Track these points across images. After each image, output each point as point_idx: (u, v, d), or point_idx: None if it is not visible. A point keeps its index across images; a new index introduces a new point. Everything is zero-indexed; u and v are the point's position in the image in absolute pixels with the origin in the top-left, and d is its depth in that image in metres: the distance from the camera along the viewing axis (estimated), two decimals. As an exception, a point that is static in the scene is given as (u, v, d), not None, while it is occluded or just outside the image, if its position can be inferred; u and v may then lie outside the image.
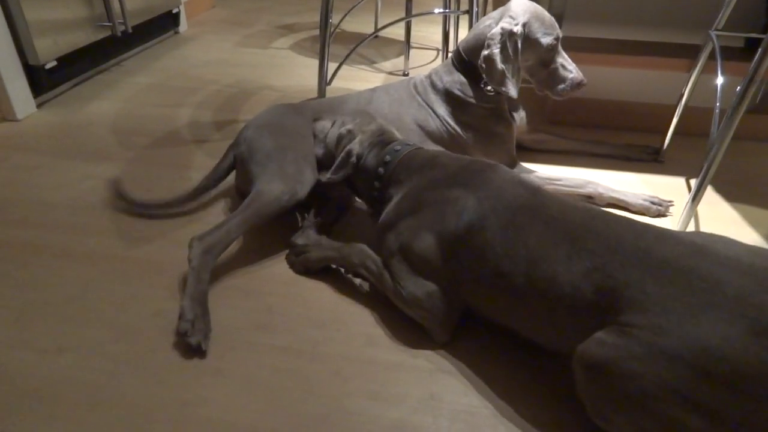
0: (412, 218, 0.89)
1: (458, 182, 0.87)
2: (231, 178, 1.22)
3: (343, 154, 1.02)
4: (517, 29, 1.17)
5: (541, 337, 0.80)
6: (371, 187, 1.00)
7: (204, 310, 0.89)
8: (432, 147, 1.22)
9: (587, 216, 0.77)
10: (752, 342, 0.58)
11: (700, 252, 0.67)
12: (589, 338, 0.68)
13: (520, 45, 1.18)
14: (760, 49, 0.96)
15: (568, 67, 1.22)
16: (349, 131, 1.05)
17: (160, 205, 1.16)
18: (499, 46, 1.17)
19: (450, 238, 0.85)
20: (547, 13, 1.21)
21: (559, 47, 1.22)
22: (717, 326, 0.60)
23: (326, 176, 1.04)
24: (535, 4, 1.21)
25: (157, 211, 1.18)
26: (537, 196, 0.83)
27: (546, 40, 1.18)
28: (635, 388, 0.62)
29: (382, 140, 1.03)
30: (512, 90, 1.19)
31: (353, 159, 1.01)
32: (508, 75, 1.18)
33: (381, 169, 0.98)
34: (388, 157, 0.98)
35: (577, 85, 1.22)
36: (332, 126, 1.10)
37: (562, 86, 1.23)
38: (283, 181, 1.04)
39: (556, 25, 1.21)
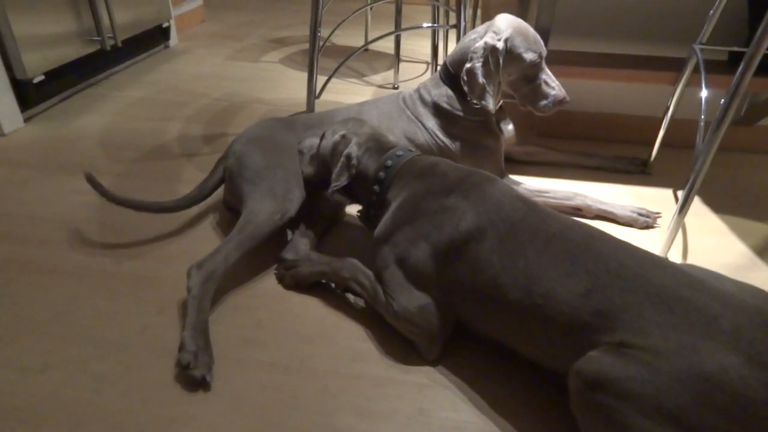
0: (408, 228, 0.89)
1: (456, 193, 0.87)
2: (219, 191, 1.21)
3: (342, 159, 1.00)
4: (500, 44, 1.18)
5: (534, 352, 0.80)
6: (370, 192, 0.99)
7: (206, 341, 0.86)
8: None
9: (588, 236, 0.77)
10: (747, 373, 0.60)
11: (698, 284, 0.69)
12: (585, 356, 0.68)
13: (501, 60, 1.19)
14: (742, 63, 0.97)
15: (551, 83, 1.24)
16: (343, 136, 1.03)
17: (142, 207, 1.09)
18: (481, 60, 1.18)
19: (446, 249, 0.84)
20: (531, 30, 1.22)
21: (543, 64, 1.23)
22: (714, 356, 0.61)
23: (331, 187, 1.01)
24: (520, 20, 1.22)
25: (139, 210, 1.11)
26: (536, 211, 0.83)
27: (529, 56, 1.20)
28: (631, 407, 0.62)
29: (380, 144, 1.02)
30: (491, 103, 1.20)
31: (354, 162, 1.00)
32: (488, 89, 1.19)
33: (382, 174, 0.97)
34: (389, 162, 0.97)
35: (559, 102, 1.23)
36: (322, 138, 1.09)
37: (544, 102, 1.24)
38: (274, 201, 1.03)
39: (541, 42, 1.22)
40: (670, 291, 0.68)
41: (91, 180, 1.07)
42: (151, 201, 1.11)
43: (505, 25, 1.20)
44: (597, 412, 0.65)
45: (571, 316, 0.71)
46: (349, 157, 1.00)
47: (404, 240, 0.89)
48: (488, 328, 0.84)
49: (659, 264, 0.72)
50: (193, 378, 0.81)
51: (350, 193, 1.06)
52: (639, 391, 0.62)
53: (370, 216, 1.02)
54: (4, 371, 0.84)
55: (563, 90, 1.23)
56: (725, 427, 0.58)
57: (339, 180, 1.00)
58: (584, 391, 0.66)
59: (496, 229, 0.81)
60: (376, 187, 0.98)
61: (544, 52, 1.23)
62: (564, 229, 0.79)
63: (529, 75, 1.23)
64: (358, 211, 1.15)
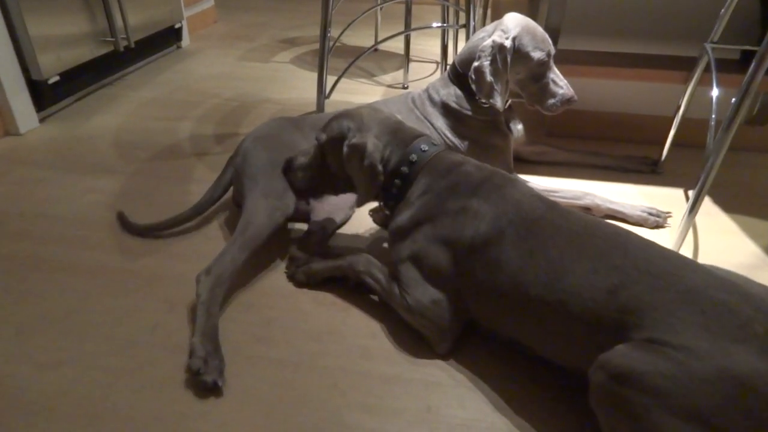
0: (428, 226, 0.89)
1: (479, 194, 0.87)
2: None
3: (367, 170, 0.94)
4: (507, 43, 1.18)
5: (552, 350, 0.80)
6: (391, 185, 0.96)
7: (216, 346, 0.86)
8: None
9: (613, 233, 0.77)
10: None
11: (730, 287, 0.68)
12: (612, 349, 0.68)
13: (509, 58, 1.19)
14: (753, 62, 0.96)
15: (559, 83, 1.23)
16: (355, 145, 0.95)
17: (164, 226, 1.15)
18: (489, 58, 1.18)
19: (465, 250, 0.85)
20: (540, 29, 1.22)
21: (551, 63, 1.23)
22: (748, 359, 0.61)
23: (358, 201, 0.97)
24: (528, 19, 1.22)
25: (163, 231, 1.17)
26: (555, 210, 0.83)
27: (536, 55, 1.20)
28: (658, 403, 0.62)
29: (398, 135, 0.97)
30: (499, 102, 1.21)
31: (379, 168, 0.95)
32: (497, 87, 1.20)
33: (405, 168, 0.94)
34: (414, 157, 0.94)
35: (567, 101, 1.23)
36: (322, 145, 1.01)
37: (551, 101, 1.24)
38: (273, 199, 1.04)
39: (549, 41, 1.22)
40: (702, 291, 0.67)
41: (121, 218, 1.14)
42: (170, 217, 1.14)
43: (513, 23, 1.21)
44: (621, 406, 0.65)
45: (596, 312, 0.71)
46: (373, 167, 0.94)
47: (423, 237, 0.89)
48: (504, 325, 0.84)
49: (688, 264, 0.72)
50: (203, 383, 0.81)
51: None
52: (668, 388, 0.61)
53: (387, 207, 0.99)
54: (20, 366, 0.86)
55: (571, 89, 1.23)
56: (755, 430, 0.58)
57: (370, 193, 0.96)
58: (609, 384, 0.66)
59: (515, 229, 0.81)
60: (397, 181, 0.95)
61: (553, 51, 1.22)
62: (588, 226, 0.79)
63: (537, 74, 1.23)
64: (371, 210, 1.16)
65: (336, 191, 1.07)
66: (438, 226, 0.88)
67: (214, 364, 0.83)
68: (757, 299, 0.66)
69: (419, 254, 0.89)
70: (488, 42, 1.19)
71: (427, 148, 0.95)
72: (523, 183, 0.90)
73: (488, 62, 1.18)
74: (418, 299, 0.88)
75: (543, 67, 1.22)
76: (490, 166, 0.95)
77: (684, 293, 0.67)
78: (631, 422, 0.63)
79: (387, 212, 1.01)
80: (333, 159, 1.00)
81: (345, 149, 0.96)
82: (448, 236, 0.87)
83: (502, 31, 1.20)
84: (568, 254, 0.76)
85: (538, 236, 0.79)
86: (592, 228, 0.79)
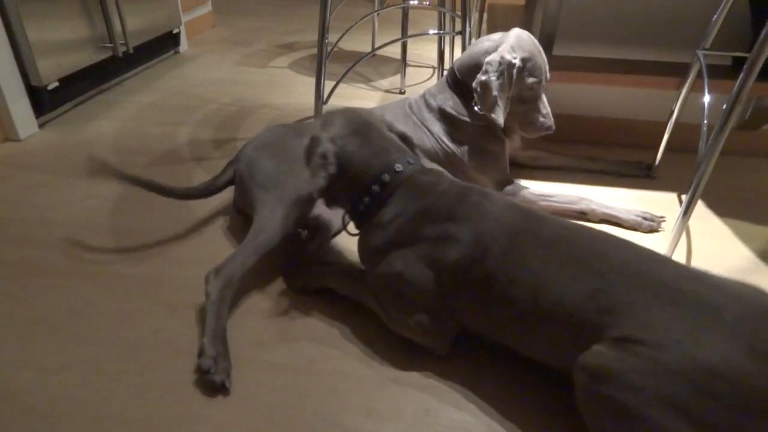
0: (407, 249, 0.87)
1: (458, 216, 0.85)
2: (226, 195, 1.23)
3: (317, 159, 0.91)
4: (518, 63, 1.19)
5: (542, 355, 0.81)
6: (357, 200, 0.92)
7: (225, 347, 0.87)
8: (428, 165, 1.22)
9: (589, 238, 0.79)
10: (749, 363, 0.62)
11: (699, 278, 0.71)
12: (589, 350, 0.70)
13: (515, 77, 1.20)
14: (744, 69, 0.98)
15: (542, 111, 1.26)
16: (313, 139, 0.94)
17: (150, 186, 1.09)
18: (497, 74, 1.19)
19: (450, 270, 0.84)
20: (542, 55, 1.24)
21: (541, 91, 1.25)
22: (717, 347, 0.63)
23: (311, 189, 0.92)
24: (535, 40, 1.24)
25: (143, 187, 1.10)
26: (531, 218, 0.83)
27: (529, 81, 1.22)
28: (635, 400, 0.64)
29: (372, 146, 0.92)
30: (500, 118, 1.21)
31: (330, 159, 0.91)
32: (499, 104, 1.21)
33: (376, 187, 0.90)
34: (386, 177, 0.90)
35: (545, 130, 1.27)
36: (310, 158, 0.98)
37: (529, 126, 1.28)
38: (286, 206, 1.06)
39: (546, 68, 1.24)
40: (673, 285, 0.69)
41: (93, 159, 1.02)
42: (162, 183, 1.10)
43: (522, 42, 1.22)
44: (601, 404, 0.67)
45: (579, 318, 0.73)
46: (324, 156, 0.91)
47: (402, 259, 0.87)
48: (495, 334, 0.85)
49: (661, 260, 0.74)
50: (213, 383, 0.83)
51: (331, 195, 0.97)
52: (641, 383, 0.64)
53: (353, 219, 0.96)
54: (22, 371, 0.86)
55: (551, 119, 1.27)
56: (728, 415, 0.60)
57: (317, 180, 0.91)
58: (589, 384, 0.68)
59: (498, 245, 0.81)
60: (366, 199, 0.91)
61: (547, 77, 1.25)
62: (563, 232, 0.80)
63: (526, 97, 1.25)
64: None
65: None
66: (418, 250, 0.86)
67: (222, 364, 0.85)
68: (726, 287, 0.69)
69: (399, 278, 0.87)
70: (496, 57, 1.20)
71: (401, 168, 0.90)
72: (499, 195, 0.89)
73: (495, 78, 1.19)
74: (400, 320, 0.89)
75: (532, 92, 1.24)
76: (464, 182, 0.92)
77: (657, 288, 0.70)
78: (613, 419, 0.66)
79: (349, 223, 0.98)
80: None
81: (304, 141, 0.97)
82: (431, 258, 0.85)
83: (512, 48, 1.21)
84: (550, 264, 0.77)
85: (520, 249, 0.80)
86: (568, 233, 0.80)
